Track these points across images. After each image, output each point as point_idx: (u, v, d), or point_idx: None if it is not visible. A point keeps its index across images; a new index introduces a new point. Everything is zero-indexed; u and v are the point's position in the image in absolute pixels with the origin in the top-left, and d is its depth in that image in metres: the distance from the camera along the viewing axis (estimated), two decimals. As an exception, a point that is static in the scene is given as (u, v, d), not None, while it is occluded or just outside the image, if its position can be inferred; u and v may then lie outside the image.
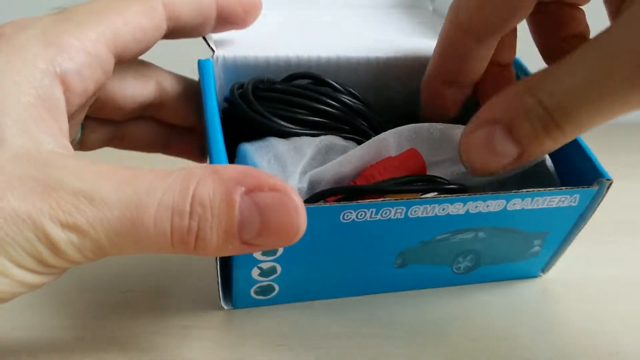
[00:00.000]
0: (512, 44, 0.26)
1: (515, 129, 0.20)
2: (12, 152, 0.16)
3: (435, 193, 0.23)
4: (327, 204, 0.21)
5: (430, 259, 0.25)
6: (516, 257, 0.27)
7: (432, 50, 0.26)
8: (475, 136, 0.21)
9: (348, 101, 0.25)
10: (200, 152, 0.28)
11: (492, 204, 0.23)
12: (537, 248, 0.27)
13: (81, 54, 0.18)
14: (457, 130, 0.25)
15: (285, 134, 0.24)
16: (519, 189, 0.23)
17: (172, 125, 0.27)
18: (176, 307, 0.25)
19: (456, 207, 0.22)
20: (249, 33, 0.26)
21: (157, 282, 0.27)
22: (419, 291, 0.27)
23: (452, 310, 0.26)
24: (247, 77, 0.26)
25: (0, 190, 0.15)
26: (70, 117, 0.19)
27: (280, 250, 0.23)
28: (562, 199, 0.23)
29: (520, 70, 0.28)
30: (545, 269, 0.29)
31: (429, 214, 0.22)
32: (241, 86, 0.25)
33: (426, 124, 0.25)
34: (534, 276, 0.29)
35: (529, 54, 0.26)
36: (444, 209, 0.22)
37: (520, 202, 0.23)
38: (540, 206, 0.23)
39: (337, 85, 0.26)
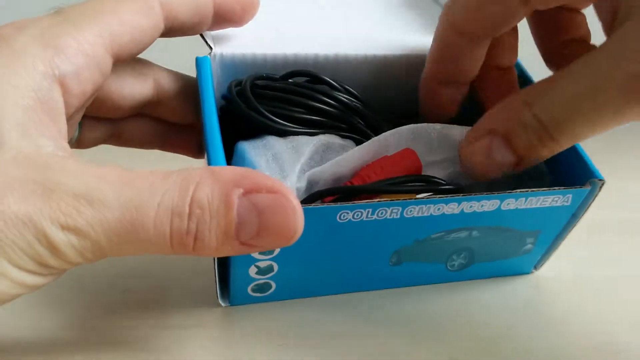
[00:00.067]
0: (513, 48, 0.26)
1: (513, 140, 0.21)
2: (11, 155, 0.16)
3: (431, 193, 0.23)
4: (324, 205, 0.21)
5: (424, 257, 0.26)
6: (509, 254, 0.27)
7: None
8: (476, 145, 0.22)
9: (345, 99, 0.25)
10: (198, 148, 0.28)
11: (487, 204, 0.23)
12: (529, 246, 0.27)
13: (79, 55, 0.18)
14: (455, 130, 0.25)
15: (282, 133, 0.24)
16: (511, 187, 0.23)
17: (170, 122, 0.27)
18: (175, 306, 0.25)
19: (451, 207, 0.23)
20: (247, 30, 0.26)
21: (156, 281, 0.27)
22: (415, 288, 0.28)
23: (447, 306, 0.26)
24: (244, 74, 0.26)
25: (0, 192, 0.15)
26: (69, 117, 0.19)
27: (277, 250, 0.23)
28: (555, 199, 0.24)
29: (521, 73, 0.28)
30: (537, 265, 0.29)
31: (424, 214, 0.22)
32: (239, 83, 0.25)
33: (425, 124, 0.25)
34: (527, 272, 0.29)
35: (533, 54, 0.26)
36: (439, 209, 0.22)
37: (514, 202, 0.23)
38: (533, 206, 0.24)
39: (334, 83, 0.26)
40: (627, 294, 0.28)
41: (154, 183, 0.17)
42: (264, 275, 0.24)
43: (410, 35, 0.29)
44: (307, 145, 0.24)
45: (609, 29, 0.19)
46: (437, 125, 0.25)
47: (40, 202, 0.16)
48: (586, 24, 0.24)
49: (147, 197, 0.16)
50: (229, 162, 0.24)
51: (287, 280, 0.25)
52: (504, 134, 0.21)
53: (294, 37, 0.27)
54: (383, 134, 0.24)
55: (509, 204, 0.23)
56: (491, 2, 0.22)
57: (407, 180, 0.23)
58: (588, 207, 0.25)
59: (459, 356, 0.23)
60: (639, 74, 0.18)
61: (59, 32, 0.18)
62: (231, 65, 0.26)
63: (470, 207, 0.23)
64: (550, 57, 0.25)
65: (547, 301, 0.28)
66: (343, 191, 0.22)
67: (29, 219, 0.15)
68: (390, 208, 0.22)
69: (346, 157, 0.23)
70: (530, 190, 0.23)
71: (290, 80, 0.26)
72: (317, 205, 0.21)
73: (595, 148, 0.25)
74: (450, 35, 0.24)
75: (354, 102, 0.25)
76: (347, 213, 0.21)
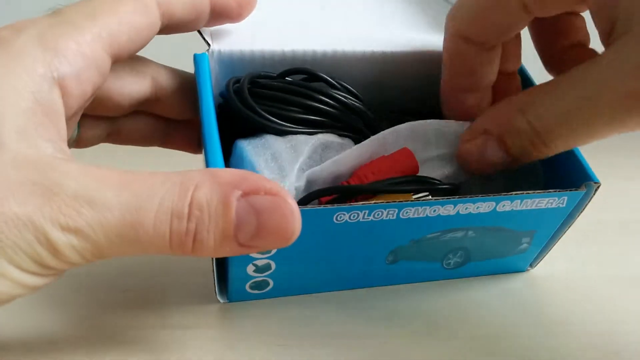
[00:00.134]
0: (516, 53, 0.26)
1: (507, 142, 0.22)
2: (11, 156, 0.16)
3: (427, 193, 0.23)
4: (321, 207, 0.21)
5: (421, 255, 0.26)
6: (505, 253, 0.28)
7: (435, 44, 0.26)
8: (471, 144, 0.23)
9: (343, 98, 0.25)
10: (197, 144, 0.29)
11: (482, 206, 0.23)
12: (525, 245, 0.27)
13: (79, 57, 0.18)
14: (453, 126, 0.25)
15: (280, 133, 0.24)
16: (506, 183, 0.23)
17: (169, 119, 0.27)
18: (175, 306, 0.26)
19: (447, 209, 0.23)
20: (245, 26, 0.26)
21: (156, 281, 0.27)
22: (413, 287, 0.28)
23: (444, 305, 0.27)
24: (242, 70, 0.26)
25: (1, 194, 0.15)
26: (68, 118, 0.19)
27: (275, 249, 0.23)
28: (550, 201, 0.24)
29: (525, 77, 0.28)
30: (533, 263, 0.30)
31: (420, 215, 0.23)
32: (237, 81, 0.25)
33: (423, 121, 0.25)
34: (522, 270, 0.30)
35: (533, 54, 0.26)
36: (435, 210, 0.23)
37: (509, 204, 0.23)
38: (528, 207, 0.24)
39: (332, 81, 0.26)
40: (623, 293, 0.29)
41: (154, 185, 0.17)
42: (261, 273, 0.24)
43: (410, 32, 0.29)
44: (305, 144, 0.24)
45: (607, 38, 0.19)
46: (435, 122, 0.25)
47: (41, 204, 0.16)
48: (585, 26, 0.24)
49: (147, 198, 0.17)
50: (227, 160, 0.24)
51: (285, 278, 0.25)
52: (498, 135, 0.22)
53: (292, 33, 0.27)
54: (381, 132, 0.24)
55: (504, 205, 0.23)
56: (492, 11, 0.22)
57: (404, 181, 0.23)
58: (583, 209, 0.25)
59: (457, 354, 0.24)
60: (636, 91, 0.18)
61: (58, 34, 0.18)
62: (229, 61, 0.26)
63: (466, 208, 0.23)
64: (550, 62, 0.25)
65: (543, 299, 0.28)
66: (341, 191, 0.23)
67: (30, 220, 0.16)
68: (387, 209, 0.22)
69: (345, 156, 0.23)
70: (525, 192, 0.23)
71: (288, 79, 0.26)
72: (315, 207, 0.21)
73: (595, 148, 0.25)
74: (457, 43, 0.24)
75: (351, 100, 0.25)
76: (344, 214, 0.22)
